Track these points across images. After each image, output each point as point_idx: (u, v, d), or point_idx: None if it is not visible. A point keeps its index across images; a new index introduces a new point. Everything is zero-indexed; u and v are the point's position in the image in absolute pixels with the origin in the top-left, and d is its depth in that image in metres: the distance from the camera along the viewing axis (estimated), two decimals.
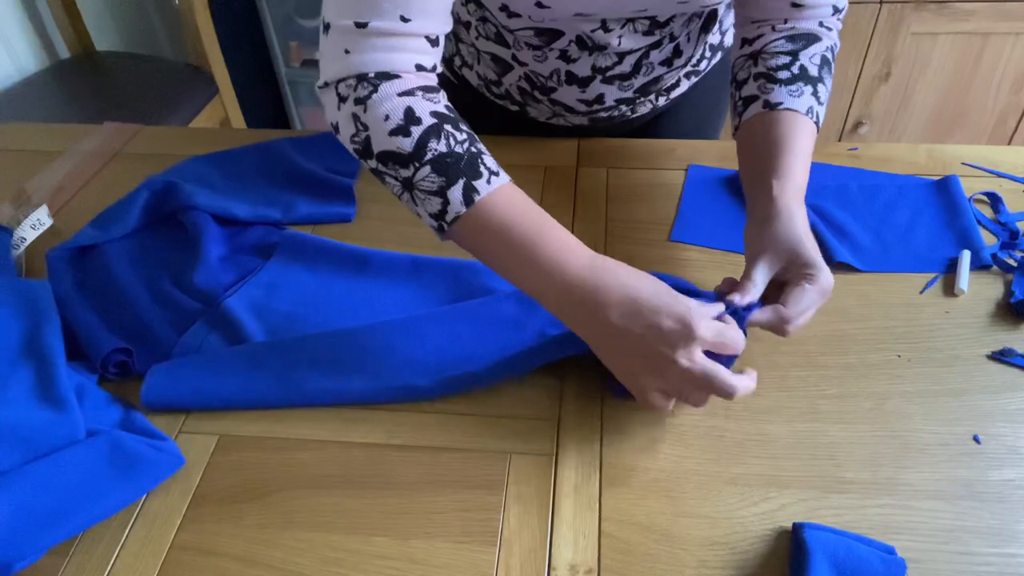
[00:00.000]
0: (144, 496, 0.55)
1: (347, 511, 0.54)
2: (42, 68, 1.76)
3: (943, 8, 1.60)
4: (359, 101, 0.58)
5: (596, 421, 0.59)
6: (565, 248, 0.55)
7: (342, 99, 0.59)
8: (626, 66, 0.78)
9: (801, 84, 0.65)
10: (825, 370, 0.62)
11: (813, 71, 0.66)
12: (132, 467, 0.54)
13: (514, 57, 0.80)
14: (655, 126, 0.95)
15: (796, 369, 0.62)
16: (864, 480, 0.54)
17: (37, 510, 0.51)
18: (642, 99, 0.86)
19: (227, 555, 0.52)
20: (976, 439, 0.56)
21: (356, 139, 0.59)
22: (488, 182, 0.56)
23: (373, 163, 0.59)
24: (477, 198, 0.56)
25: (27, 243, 0.76)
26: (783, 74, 0.66)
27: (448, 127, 0.58)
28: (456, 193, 0.56)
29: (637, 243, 0.75)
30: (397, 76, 0.59)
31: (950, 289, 0.69)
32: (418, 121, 0.57)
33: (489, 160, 0.58)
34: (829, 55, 0.69)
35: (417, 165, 0.56)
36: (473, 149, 0.58)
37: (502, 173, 0.58)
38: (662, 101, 0.90)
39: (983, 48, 1.67)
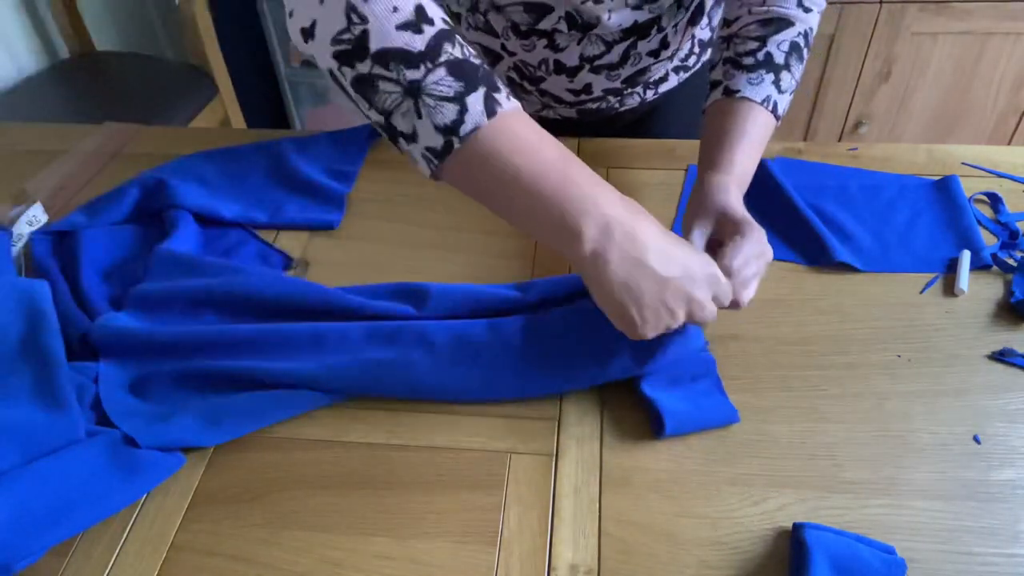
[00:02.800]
0: (144, 496, 0.55)
1: (347, 511, 0.54)
2: (42, 68, 1.76)
3: (943, 8, 1.60)
4: None
5: (596, 421, 0.59)
6: (596, 180, 0.50)
7: None
8: (614, 56, 0.78)
9: (763, 72, 0.67)
10: (825, 370, 0.62)
11: (779, 59, 0.68)
12: (132, 467, 0.54)
13: (503, 47, 0.79)
14: (645, 122, 0.95)
15: (796, 369, 0.62)
16: (864, 480, 0.54)
17: (37, 510, 0.51)
18: (629, 90, 0.86)
19: (227, 555, 0.52)
20: (976, 439, 0.56)
21: (345, 36, 0.49)
22: (508, 98, 0.49)
23: (365, 66, 0.49)
24: (500, 110, 0.48)
25: (24, 240, 0.76)
26: (747, 60, 0.68)
27: (459, 38, 0.50)
28: (476, 100, 0.47)
29: None
30: None
31: (950, 289, 0.69)
32: (430, 21, 0.49)
33: (501, 81, 0.51)
34: (800, 40, 0.69)
35: (430, 66, 0.48)
36: (487, 65, 0.50)
37: (513, 98, 0.51)
38: (650, 94, 0.90)
39: (983, 48, 1.67)
